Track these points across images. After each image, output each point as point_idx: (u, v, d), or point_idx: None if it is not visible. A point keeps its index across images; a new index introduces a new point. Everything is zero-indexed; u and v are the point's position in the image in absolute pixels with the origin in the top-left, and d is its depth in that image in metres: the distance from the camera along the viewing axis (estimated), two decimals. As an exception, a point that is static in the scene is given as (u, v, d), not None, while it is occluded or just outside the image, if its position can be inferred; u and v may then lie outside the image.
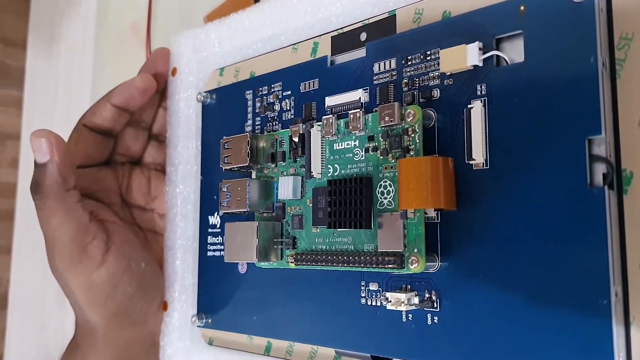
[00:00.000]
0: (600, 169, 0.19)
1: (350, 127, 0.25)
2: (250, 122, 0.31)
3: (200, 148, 0.35)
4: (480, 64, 0.22)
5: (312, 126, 0.26)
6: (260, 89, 0.31)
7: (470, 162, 0.22)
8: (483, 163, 0.22)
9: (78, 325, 0.36)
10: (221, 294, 0.32)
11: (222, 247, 0.32)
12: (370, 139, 0.24)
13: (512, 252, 0.21)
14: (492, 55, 0.22)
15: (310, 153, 0.26)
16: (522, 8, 0.21)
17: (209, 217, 0.33)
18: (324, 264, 0.25)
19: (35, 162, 0.31)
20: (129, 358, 0.35)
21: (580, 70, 0.20)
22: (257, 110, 0.31)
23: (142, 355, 0.36)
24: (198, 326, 0.33)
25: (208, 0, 0.46)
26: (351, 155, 0.25)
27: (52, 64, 0.68)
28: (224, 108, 0.33)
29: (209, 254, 0.33)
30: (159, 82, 0.36)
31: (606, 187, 0.19)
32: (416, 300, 0.23)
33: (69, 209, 0.31)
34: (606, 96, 0.19)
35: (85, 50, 0.59)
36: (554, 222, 0.20)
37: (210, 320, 0.32)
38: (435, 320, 0.23)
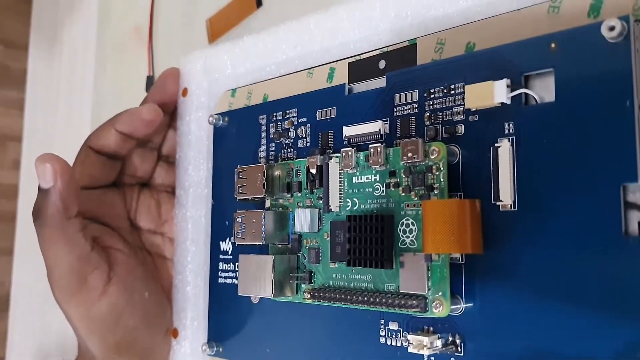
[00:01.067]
0: (636, 217, 0.19)
1: (371, 161, 0.24)
2: (264, 147, 0.31)
3: (211, 171, 0.34)
4: (508, 102, 0.21)
5: (331, 158, 0.25)
6: (274, 114, 0.30)
7: (498, 203, 0.21)
8: (511, 205, 0.21)
9: (80, 351, 0.35)
10: (233, 323, 0.31)
11: (233, 274, 0.31)
12: (392, 174, 0.24)
13: (538, 297, 0.20)
14: (521, 93, 0.21)
15: (329, 186, 0.25)
16: (553, 45, 0.20)
17: (221, 242, 0.33)
18: (341, 301, 0.24)
19: (39, 187, 0.30)
20: None
21: (615, 114, 0.19)
22: (271, 136, 0.30)
23: None
24: (209, 354, 0.32)
25: (210, 3, 0.45)
26: (371, 190, 0.24)
27: (54, 66, 0.67)
28: (237, 131, 0.32)
29: (220, 280, 0.32)
30: (167, 104, 0.35)
31: (643, 237, 0.18)
32: (439, 343, 0.22)
33: (69, 238, 0.30)
34: (642, 141, 0.19)
35: (87, 52, 0.58)
36: (585, 270, 0.19)
37: (221, 350, 0.32)
38: (459, 365, 0.22)
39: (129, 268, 0.32)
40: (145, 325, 0.33)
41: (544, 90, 0.21)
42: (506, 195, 0.21)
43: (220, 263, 0.32)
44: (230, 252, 0.32)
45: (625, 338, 0.18)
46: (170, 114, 0.36)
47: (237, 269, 0.31)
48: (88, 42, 0.58)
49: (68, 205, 0.29)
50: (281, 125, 0.30)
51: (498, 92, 0.21)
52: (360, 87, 0.27)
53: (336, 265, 0.25)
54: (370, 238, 0.23)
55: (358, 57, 0.27)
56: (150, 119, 0.33)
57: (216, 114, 0.33)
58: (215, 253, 0.33)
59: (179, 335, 0.34)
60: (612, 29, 0.19)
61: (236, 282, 0.31)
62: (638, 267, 0.18)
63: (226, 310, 0.32)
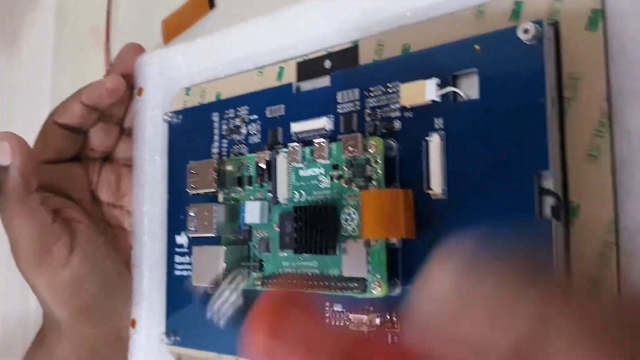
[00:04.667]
0: (548, 201, 0.21)
1: (316, 156, 0.26)
2: (217, 144, 0.32)
3: (167, 167, 0.35)
4: (439, 99, 0.23)
5: (279, 153, 0.27)
6: (226, 111, 0.32)
7: (429, 192, 0.23)
8: (441, 193, 0.23)
9: (45, 319, 0.36)
10: (190, 313, 0.32)
11: (189, 266, 0.33)
12: (335, 167, 0.25)
13: (468, 279, 0.22)
14: (449, 92, 0.23)
15: (277, 179, 0.27)
16: (477, 47, 0.22)
17: (176, 236, 0.34)
18: (290, 286, 0.26)
19: None
20: (94, 353, 0.36)
21: (530, 108, 0.21)
22: (223, 133, 0.32)
23: (106, 350, 0.37)
24: (167, 344, 0.33)
25: (166, 4, 0.46)
26: (317, 182, 0.26)
27: (12, 67, 0.66)
28: (191, 129, 0.34)
29: (177, 273, 0.33)
30: (129, 77, 0.36)
31: (553, 219, 0.20)
32: (377, 321, 0.24)
33: (31, 211, 0.31)
34: (554, 133, 0.21)
35: (44, 53, 0.58)
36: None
37: (178, 338, 0.33)
38: (395, 340, 0.24)
39: (90, 238, 0.34)
40: (106, 291, 0.34)
41: (469, 88, 0.23)
42: (437, 185, 0.23)
43: (177, 256, 0.34)
44: (186, 246, 0.33)
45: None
46: (132, 87, 0.37)
47: (192, 261, 0.32)
48: (46, 43, 0.58)
49: (28, 180, 0.31)
50: (233, 122, 0.31)
51: (429, 91, 0.23)
52: (307, 85, 0.29)
53: (285, 254, 0.27)
54: (315, 227, 0.25)
55: (305, 57, 0.29)
56: (113, 88, 0.34)
57: (171, 112, 0.34)
58: (171, 246, 0.34)
59: (137, 325, 0.35)
60: (526, 31, 0.21)
61: (192, 276, 0.32)
62: (548, 244, 0.20)
63: (183, 300, 0.33)
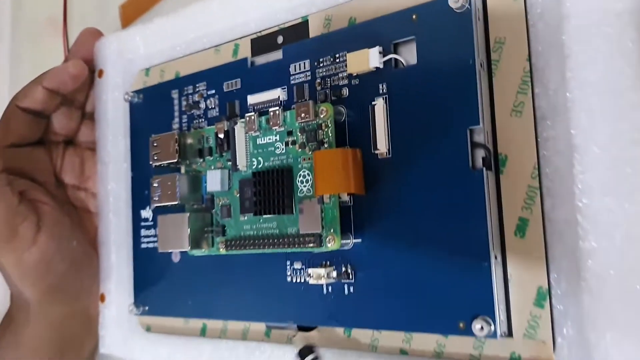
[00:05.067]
0: (480, 154, 0.23)
1: (271, 124, 0.27)
2: (177, 119, 0.33)
3: (129, 146, 0.36)
4: (381, 66, 0.25)
5: (236, 123, 0.29)
6: (185, 88, 0.33)
7: (376, 152, 0.25)
8: (386, 152, 0.25)
9: (12, 300, 0.37)
10: (157, 283, 0.34)
11: (155, 239, 0.34)
12: (289, 133, 0.27)
13: (411, 228, 0.24)
14: (390, 58, 0.25)
15: (236, 148, 0.29)
16: (414, 17, 0.24)
17: (141, 211, 0.35)
18: (252, 247, 0.28)
19: None
20: (63, 331, 0.37)
21: (462, 71, 0.23)
22: (183, 109, 0.33)
23: (76, 329, 0.38)
24: (135, 314, 0.35)
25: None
26: (273, 149, 0.28)
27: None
28: (151, 107, 0.35)
29: (143, 246, 0.35)
30: (89, 61, 0.37)
31: (485, 169, 0.23)
32: (334, 274, 0.26)
33: None
34: (484, 92, 0.23)
35: (1, 42, 0.58)
36: (444, 200, 0.23)
37: (147, 308, 0.34)
38: (351, 290, 0.26)
39: (56, 219, 0.35)
40: (74, 270, 0.35)
41: (408, 54, 0.25)
42: (382, 145, 0.25)
43: (142, 230, 0.35)
44: (150, 219, 0.35)
45: (474, 245, 0.22)
46: (92, 71, 0.38)
47: (157, 233, 0.34)
48: (2, 34, 0.58)
49: None
50: (192, 98, 0.33)
51: (372, 58, 0.25)
52: (261, 59, 0.30)
53: (246, 218, 0.29)
54: (273, 190, 0.27)
55: (259, 34, 0.31)
56: (76, 73, 0.35)
57: (131, 92, 0.36)
58: (136, 221, 0.35)
59: (106, 299, 0.37)
60: (457, 1, 0.23)
61: (157, 244, 0.34)
62: (481, 192, 0.22)
63: (150, 272, 0.34)
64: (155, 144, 0.31)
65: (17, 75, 0.55)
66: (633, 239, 0.19)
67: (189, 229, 0.29)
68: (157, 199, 0.30)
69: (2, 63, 0.56)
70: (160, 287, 0.34)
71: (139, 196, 0.35)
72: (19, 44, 0.56)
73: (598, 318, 0.20)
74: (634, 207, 0.19)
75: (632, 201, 0.19)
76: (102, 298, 0.37)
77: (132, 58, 0.37)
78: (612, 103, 0.20)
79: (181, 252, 0.32)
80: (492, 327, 0.22)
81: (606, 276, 0.20)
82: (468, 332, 0.22)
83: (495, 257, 0.22)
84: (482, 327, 0.22)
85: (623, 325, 0.20)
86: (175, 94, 0.33)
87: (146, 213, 0.35)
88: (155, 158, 0.30)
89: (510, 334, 0.23)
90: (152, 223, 0.34)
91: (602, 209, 0.20)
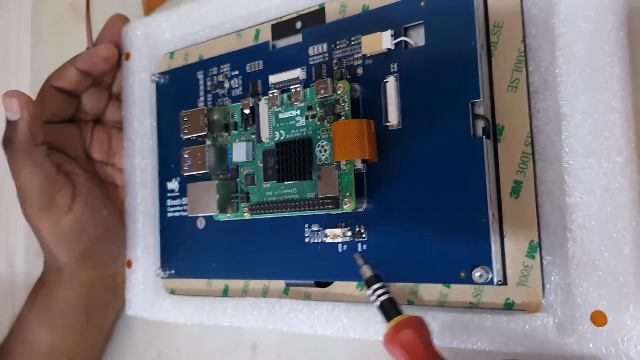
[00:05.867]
0: (480, 124, 0.26)
1: (292, 99, 0.30)
2: (202, 98, 0.36)
3: (155, 124, 0.39)
4: (393, 47, 0.28)
5: (260, 99, 0.32)
6: (210, 69, 0.36)
7: (387, 124, 0.28)
8: (397, 124, 0.28)
9: (46, 265, 0.40)
10: (182, 248, 0.37)
11: (181, 207, 0.37)
12: (309, 108, 0.30)
13: (418, 191, 0.27)
14: (401, 41, 0.28)
15: (260, 122, 0.32)
16: (422, 3, 0.28)
17: (167, 183, 0.38)
18: (274, 211, 0.31)
19: (7, 119, 0.35)
20: (91, 296, 0.40)
21: (465, 51, 0.26)
22: (208, 88, 0.36)
23: (103, 294, 0.41)
24: (162, 277, 0.38)
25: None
26: (294, 122, 0.31)
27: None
28: (177, 87, 0.38)
29: (169, 215, 0.38)
30: (117, 46, 0.40)
31: (484, 137, 0.26)
32: (349, 233, 0.29)
33: (37, 162, 0.35)
34: (484, 70, 0.26)
35: (21, 31, 0.60)
36: (448, 166, 0.26)
37: (173, 272, 0.37)
38: (364, 247, 0.29)
39: (89, 189, 0.38)
40: (104, 238, 0.38)
41: (417, 37, 0.28)
42: (393, 117, 0.28)
43: (169, 200, 0.38)
44: (177, 190, 0.38)
45: (474, 204, 0.26)
46: (119, 55, 0.41)
47: (184, 202, 0.37)
48: (22, 20, 0.60)
49: (34, 133, 0.34)
50: (216, 78, 0.36)
51: (385, 40, 0.28)
52: (281, 43, 0.33)
53: (268, 185, 0.32)
54: (295, 158, 0.30)
55: (279, 20, 0.34)
56: (107, 55, 0.38)
57: (158, 73, 0.39)
58: (163, 192, 0.38)
59: (133, 265, 0.40)
60: (461, -10, 0.26)
61: (184, 214, 0.37)
62: (481, 158, 0.26)
63: (176, 239, 0.37)
64: (185, 119, 0.34)
65: (38, 60, 0.58)
66: (611, 193, 0.22)
67: (217, 195, 0.32)
68: (187, 168, 0.33)
69: (23, 48, 0.59)
70: (186, 252, 0.37)
71: (165, 169, 0.38)
72: (40, 29, 0.58)
73: (581, 264, 0.23)
74: (611, 165, 0.22)
75: (609, 160, 0.22)
76: (129, 264, 0.40)
77: (158, 42, 0.40)
78: (594, 76, 0.23)
79: (206, 219, 0.35)
80: (490, 275, 0.25)
81: (588, 226, 0.23)
82: (468, 280, 0.26)
83: (493, 215, 0.26)
84: (480, 275, 0.25)
85: (604, 269, 0.23)
86: (200, 75, 0.37)
87: (172, 185, 0.38)
88: (186, 131, 0.34)
89: (505, 282, 0.26)
90: (178, 194, 0.37)
91: (585, 168, 0.23)
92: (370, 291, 0.26)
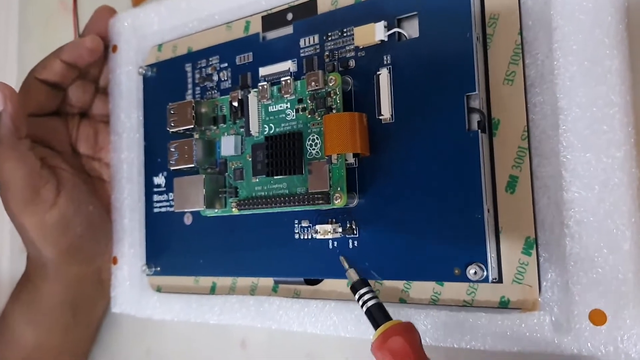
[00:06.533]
0: (475, 117, 0.25)
1: (283, 92, 0.30)
2: (190, 91, 0.35)
3: (142, 118, 0.38)
4: (386, 39, 0.28)
5: (250, 92, 0.31)
6: (199, 62, 0.35)
7: (380, 117, 0.28)
8: (389, 118, 0.27)
9: (30, 261, 0.39)
10: (169, 245, 0.36)
11: (167, 203, 0.36)
12: (300, 101, 0.30)
13: (411, 186, 0.27)
14: (394, 32, 0.27)
15: (249, 115, 0.31)
16: (415, -5, 0.27)
17: (154, 177, 0.37)
18: (263, 207, 0.30)
19: None
20: (76, 292, 0.39)
21: (460, 43, 0.26)
22: (196, 81, 0.35)
23: (89, 290, 0.40)
24: (147, 274, 0.37)
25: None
26: (284, 115, 0.30)
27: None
28: (165, 80, 0.37)
29: (155, 210, 0.37)
30: (104, 38, 0.39)
31: (480, 131, 0.25)
32: (340, 229, 0.28)
33: (21, 155, 0.34)
34: (479, 62, 0.26)
35: (9, 22, 0.59)
36: (442, 160, 0.26)
37: (159, 269, 0.37)
38: (355, 244, 0.28)
39: (74, 184, 0.37)
40: (90, 233, 0.37)
41: (411, 29, 0.27)
42: (386, 111, 0.27)
43: (155, 195, 0.37)
44: (163, 185, 0.37)
45: (469, 199, 0.25)
46: (106, 47, 0.40)
47: (170, 198, 0.36)
48: (10, 14, 0.59)
49: (18, 126, 0.33)
50: (205, 71, 0.35)
51: (378, 32, 0.28)
52: (272, 35, 0.33)
53: (257, 180, 0.31)
54: (284, 152, 0.29)
55: (269, 11, 0.33)
56: (92, 47, 0.37)
57: (145, 66, 0.38)
58: (149, 187, 0.37)
59: (119, 261, 0.39)
60: (456, -20, 0.25)
61: (171, 209, 0.36)
62: (476, 152, 0.25)
63: (162, 235, 0.37)
64: (172, 111, 0.33)
65: (25, 52, 0.57)
66: (609, 188, 0.22)
67: (204, 190, 0.31)
68: (173, 162, 0.33)
69: (11, 40, 0.58)
70: (172, 248, 0.36)
71: (152, 164, 0.37)
72: (28, 22, 0.57)
73: (579, 260, 0.23)
74: (610, 160, 0.22)
75: (608, 155, 0.22)
76: (115, 260, 0.39)
77: (146, 34, 0.39)
78: (592, 69, 0.22)
79: (193, 215, 0.35)
80: (485, 272, 0.24)
81: (587, 222, 0.23)
82: (463, 277, 0.25)
83: (488, 211, 0.25)
84: (475, 272, 0.24)
85: (602, 266, 0.22)
86: (188, 67, 0.36)
87: (159, 179, 0.37)
88: (172, 124, 0.33)
89: (500, 280, 0.25)
90: (164, 189, 0.37)
91: (583, 163, 0.22)
92: (357, 296, 0.25)
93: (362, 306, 0.24)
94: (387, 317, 0.23)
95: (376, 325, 0.23)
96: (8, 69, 0.57)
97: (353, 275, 0.25)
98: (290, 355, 0.35)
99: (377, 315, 0.23)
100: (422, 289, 0.28)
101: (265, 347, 0.37)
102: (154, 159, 0.37)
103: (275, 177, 0.30)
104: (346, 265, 0.26)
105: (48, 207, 0.35)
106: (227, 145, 0.32)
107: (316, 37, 0.30)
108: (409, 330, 0.22)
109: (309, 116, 0.29)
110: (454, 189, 0.25)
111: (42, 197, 0.35)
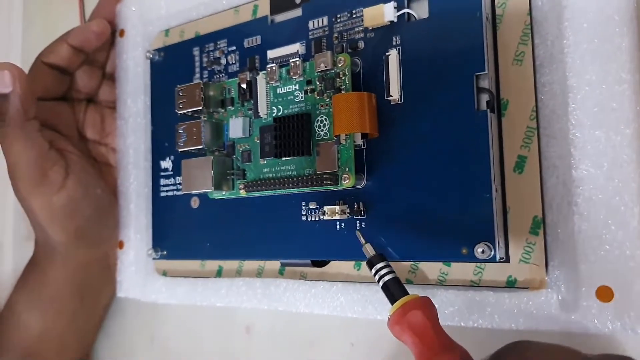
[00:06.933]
0: (484, 97, 0.26)
1: (291, 74, 0.30)
2: (198, 75, 0.36)
3: (148, 103, 0.39)
4: (395, 20, 0.28)
5: (258, 74, 0.31)
6: (206, 45, 0.35)
7: (389, 99, 0.28)
8: (398, 99, 0.28)
9: (38, 246, 0.39)
10: (175, 229, 0.36)
11: (174, 187, 0.36)
12: (308, 82, 0.30)
13: (419, 166, 0.27)
14: (404, 13, 0.28)
15: (257, 97, 0.31)
16: (426, -25, 0.27)
17: (161, 161, 0.37)
18: (271, 188, 0.30)
19: None
20: (83, 277, 0.39)
21: (470, 23, 0.26)
22: (204, 65, 0.35)
23: (97, 275, 0.40)
24: (154, 258, 0.37)
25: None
26: (292, 97, 0.30)
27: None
28: (173, 64, 0.37)
29: (162, 194, 0.37)
30: (111, 22, 0.39)
31: (489, 111, 0.25)
32: (347, 210, 0.29)
33: (30, 137, 0.34)
34: (489, 43, 0.26)
35: (13, 7, 0.59)
36: (451, 140, 0.26)
37: (165, 252, 0.37)
38: (363, 225, 0.28)
39: (82, 167, 0.37)
40: (97, 217, 0.37)
41: (420, 9, 0.27)
42: (395, 91, 0.27)
43: (162, 179, 0.37)
44: (170, 169, 0.37)
45: (477, 178, 0.25)
46: (113, 33, 0.40)
47: (177, 182, 0.36)
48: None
49: (27, 107, 0.33)
50: (213, 54, 0.35)
51: (387, 13, 0.28)
52: (280, 17, 0.33)
53: (265, 162, 0.31)
54: (293, 134, 0.29)
55: (277, -5, 0.33)
56: (99, 31, 0.37)
57: (153, 50, 0.38)
58: (156, 171, 0.38)
59: (125, 245, 0.39)
60: (466, -40, 0.25)
61: (177, 193, 0.36)
62: (485, 132, 0.25)
63: (169, 218, 0.37)
64: (180, 93, 0.33)
65: (29, 39, 0.57)
66: (618, 165, 0.22)
67: (212, 171, 0.31)
68: (181, 144, 0.33)
69: (14, 27, 0.58)
70: (179, 232, 0.36)
71: (159, 148, 0.37)
72: (31, 7, 0.57)
73: (587, 238, 0.23)
74: (619, 137, 0.22)
75: (617, 132, 0.22)
76: (121, 245, 0.39)
77: (153, 19, 0.39)
78: (602, 47, 0.22)
79: (200, 198, 0.35)
80: (492, 251, 0.25)
81: (595, 200, 0.23)
82: (470, 257, 0.25)
83: (496, 190, 0.25)
84: (483, 251, 0.25)
85: (610, 243, 0.22)
86: (196, 51, 0.36)
87: (165, 163, 0.37)
88: (181, 106, 0.33)
89: (507, 259, 0.25)
90: (171, 173, 0.37)
91: (592, 140, 0.23)
92: (373, 271, 0.25)
93: (378, 281, 0.24)
94: (405, 292, 0.23)
95: (393, 300, 0.23)
96: (12, 54, 0.57)
97: (370, 249, 0.25)
98: (295, 341, 0.36)
99: (394, 289, 0.23)
100: (429, 269, 0.28)
101: (269, 331, 0.37)
102: (161, 143, 0.37)
103: (283, 159, 0.30)
104: (362, 240, 0.26)
105: (56, 189, 0.35)
106: (235, 128, 0.32)
107: (325, 19, 0.30)
108: (427, 305, 0.22)
109: (318, 97, 0.29)
110: (463, 169, 0.26)
111: (50, 178, 0.35)
